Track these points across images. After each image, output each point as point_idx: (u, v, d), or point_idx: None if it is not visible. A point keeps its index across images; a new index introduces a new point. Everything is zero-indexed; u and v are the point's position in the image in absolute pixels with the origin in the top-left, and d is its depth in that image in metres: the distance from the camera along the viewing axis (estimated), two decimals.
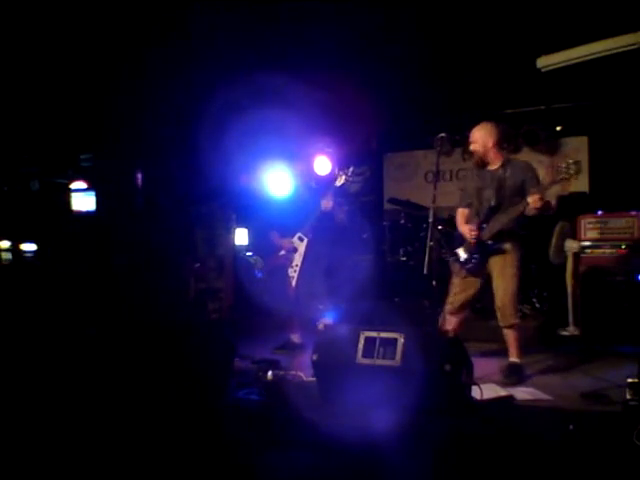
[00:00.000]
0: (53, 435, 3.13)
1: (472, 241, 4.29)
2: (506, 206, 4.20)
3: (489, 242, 4.24)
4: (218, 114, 5.91)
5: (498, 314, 4.25)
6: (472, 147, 4.44)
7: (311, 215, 5.20)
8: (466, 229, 4.36)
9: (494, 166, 4.36)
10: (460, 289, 4.46)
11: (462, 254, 4.38)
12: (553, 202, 4.24)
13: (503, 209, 4.21)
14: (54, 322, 5.61)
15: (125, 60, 5.40)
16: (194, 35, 5.13)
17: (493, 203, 4.23)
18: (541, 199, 3.97)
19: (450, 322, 4.54)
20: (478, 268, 4.30)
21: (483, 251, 4.26)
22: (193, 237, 6.86)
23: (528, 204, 4.02)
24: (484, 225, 4.27)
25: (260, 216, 6.13)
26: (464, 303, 4.47)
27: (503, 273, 4.21)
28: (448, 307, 4.54)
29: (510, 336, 4.25)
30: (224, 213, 7.08)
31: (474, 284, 4.40)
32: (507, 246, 4.22)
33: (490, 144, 4.34)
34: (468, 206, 4.49)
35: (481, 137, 4.36)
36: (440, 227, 6.08)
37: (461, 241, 4.45)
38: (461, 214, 4.54)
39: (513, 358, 4.25)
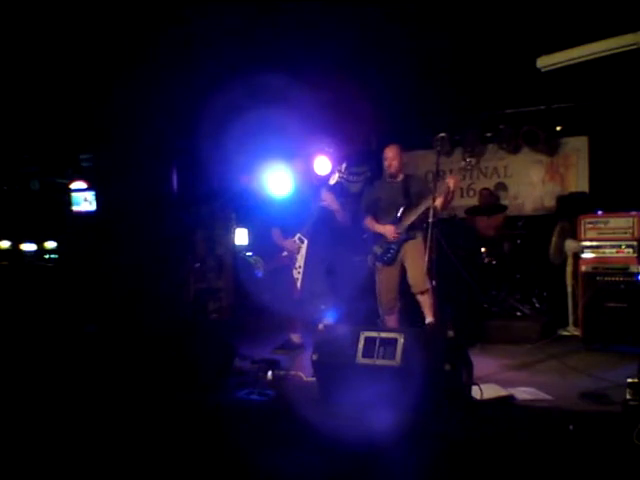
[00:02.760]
0: (53, 433, 3.14)
1: (393, 237, 5.08)
2: (412, 207, 5.03)
3: (403, 235, 5.07)
4: (218, 114, 5.91)
5: (411, 285, 4.99)
6: (391, 163, 5.19)
7: (311, 216, 5.20)
8: (388, 230, 5.11)
9: (399, 178, 5.22)
10: (386, 284, 5.14)
11: (378, 250, 5.16)
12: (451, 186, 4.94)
13: (410, 208, 5.04)
14: (55, 320, 5.62)
15: (125, 60, 5.40)
16: (194, 35, 5.13)
17: (405, 205, 5.07)
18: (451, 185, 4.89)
19: (390, 321, 5.15)
20: (395, 257, 5.10)
21: (398, 242, 5.08)
22: (193, 237, 6.86)
23: (434, 198, 4.72)
24: (398, 224, 5.07)
25: (260, 216, 6.14)
26: (395, 297, 5.13)
27: (415, 257, 4.97)
28: (384, 308, 5.14)
29: (425, 301, 4.93)
30: (224, 213, 7.09)
31: (394, 275, 5.13)
32: (418, 235, 5.06)
33: (402, 160, 5.27)
34: (372, 214, 5.26)
35: (398, 155, 5.22)
36: (440, 227, 6.08)
37: (374, 241, 5.21)
38: (370, 219, 5.28)
39: (429, 318, 4.90)
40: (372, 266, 5.26)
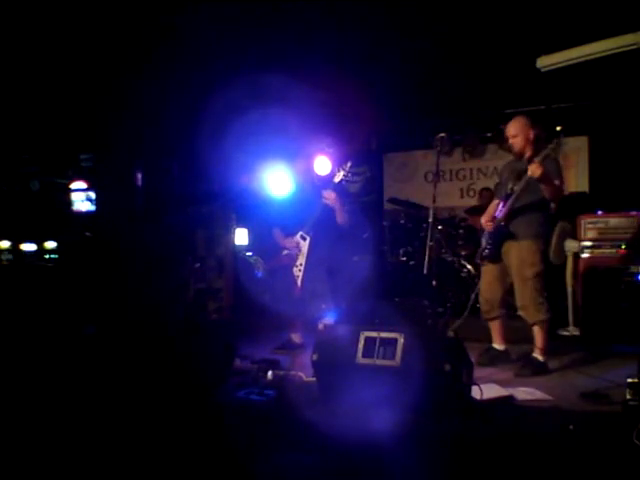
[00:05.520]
0: (52, 434, 3.13)
1: (488, 229, 4.40)
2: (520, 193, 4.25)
3: (501, 224, 4.31)
4: (218, 114, 5.92)
5: (522, 313, 4.30)
6: (513, 141, 4.39)
7: (312, 215, 5.20)
8: (483, 220, 4.48)
9: (524, 158, 4.36)
10: (484, 282, 4.51)
11: (483, 242, 4.50)
12: (557, 182, 4.17)
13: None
14: (54, 321, 5.62)
15: (125, 60, 5.40)
16: (194, 35, 5.13)
17: (509, 191, 4.30)
18: (538, 168, 3.97)
19: (493, 328, 4.55)
20: (493, 253, 4.36)
21: (497, 234, 4.34)
22: (193, 237, 6.86)
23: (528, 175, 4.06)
24: (501, 209, 4.33)
25: (260, 216, 6.13)
26: (493, 299, 4.46)
27: (521, 274, 4.26)
28: (482, 310, 4.56)
29: (535, 332, 4.27)
30: (224, 213, 7.09)
31: (495, 273, 4.42)
32: (519, 233, 4.26)
33: (531, 136, 4.37)
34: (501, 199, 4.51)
35: (522, 130, 4.37)
36: (440, 227, 6.09)
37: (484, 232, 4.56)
38: (492, 205, 4.58)
39: (535, 354, 4.29)
40: (479, 261, 4.63)
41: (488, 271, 4.48)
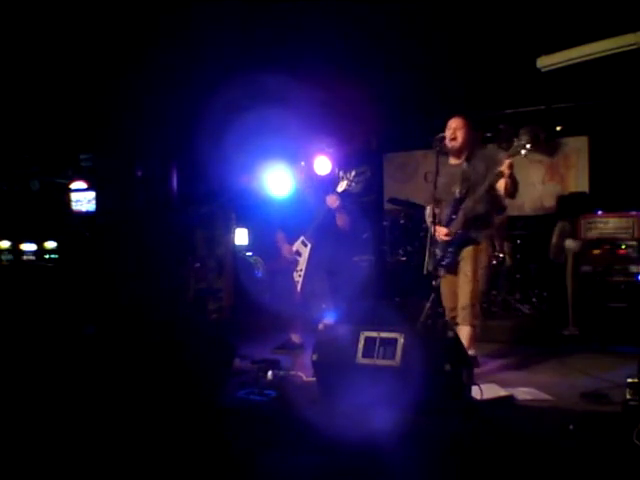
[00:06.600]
0: (52, 434, 3.13)
1: (445, 240, 4.32)
2: (471, 195, 4.23)
3: (459, 232, 4.28)
4: (219, 114, 5.92)
5: (459, 312, 4.26)
6: (455, 133, 4.36)
7: (314, 218, 5.18)
8: (439, 232, 4.34)
9: (461, 159, 4.39)
10: (447, 293, 4.46)
11: (437, 252, 4.40)
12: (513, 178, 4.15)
13: (469, 198, 4.24)
14: (54, 321, 5.62)
15: (125, 60, 5.40)
16: (194, 35, 5.13)
17: (458, 195, 4.27)
18: (509, 166, 3.97)
19: (461, 332, 4.44)
20: (454, 261, 4.31)
21: (457, 242, 4.29)
22: (193, 237, 6.86)
23: (497, 174, 4.03)
24: (453, 217, 4.29)
25: (260, 216, 6.13)
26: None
27: (473, 273, 4.24)
28: (448, 317, 4.52)
29: (465, 333, 4.21)
30: (224, 213, 7.09)
31: (457, 284, 4.37)
32: (479, 237, 4.27)
33: (472, 135, 4.42)
34: (438, 203, 4.42)
35: (465, 126, 4.37)
36: None
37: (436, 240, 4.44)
38: (429, 213, 4.49)
39: (470, 351, 4.19)
40: (432, 270, 4.42)
41: (448, 281, 4.42)
